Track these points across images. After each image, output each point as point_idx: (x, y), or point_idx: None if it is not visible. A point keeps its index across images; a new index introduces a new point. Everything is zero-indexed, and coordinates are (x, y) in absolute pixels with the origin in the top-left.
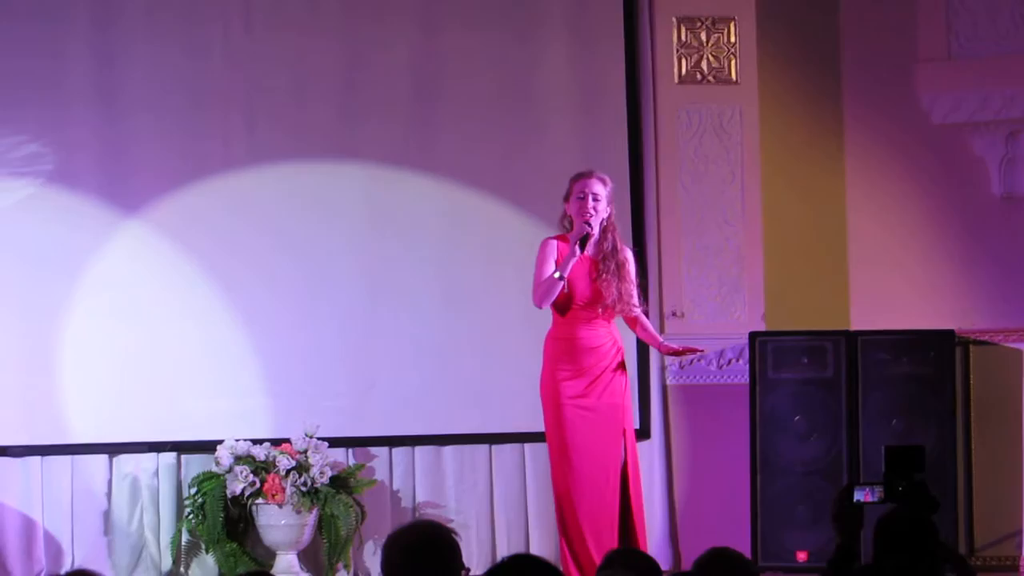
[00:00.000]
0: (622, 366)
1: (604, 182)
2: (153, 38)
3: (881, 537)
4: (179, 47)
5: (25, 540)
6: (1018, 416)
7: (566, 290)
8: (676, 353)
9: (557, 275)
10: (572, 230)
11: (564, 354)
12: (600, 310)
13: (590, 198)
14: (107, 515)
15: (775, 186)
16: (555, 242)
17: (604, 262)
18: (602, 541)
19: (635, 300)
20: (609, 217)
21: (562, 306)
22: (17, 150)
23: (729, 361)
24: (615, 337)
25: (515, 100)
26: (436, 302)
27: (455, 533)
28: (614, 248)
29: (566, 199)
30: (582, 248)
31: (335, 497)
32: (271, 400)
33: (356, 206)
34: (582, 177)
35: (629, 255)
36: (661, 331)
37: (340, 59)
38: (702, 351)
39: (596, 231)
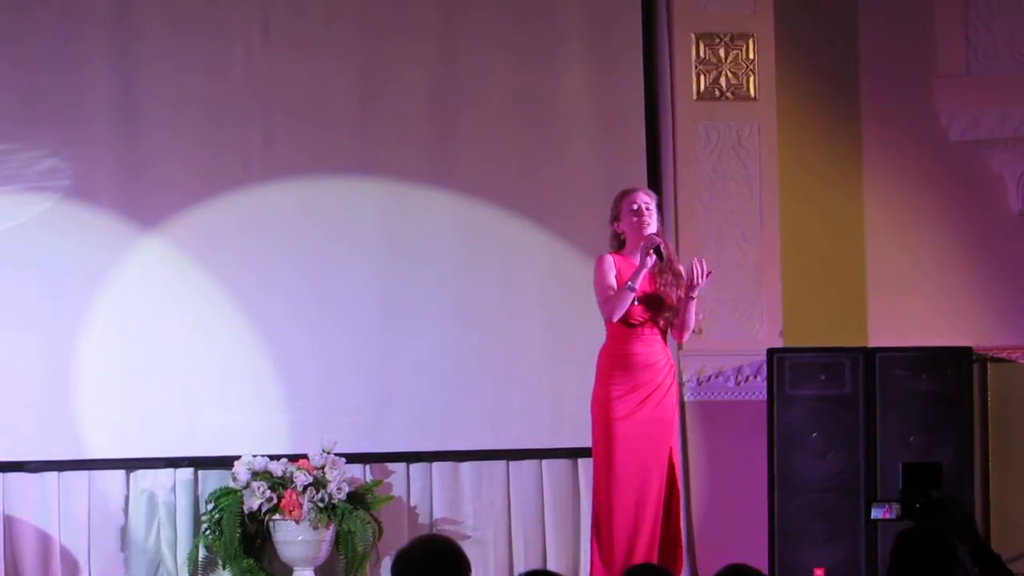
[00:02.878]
0: (675, 383)
1: (650, 194)
2: (172, 55)
3: (899, 553)
4: (198, 64)
5: (42, 556)
6: None
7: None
8: (690, 287)
9: (629, 285)
10: (625, 248)
11: (619, 370)
12: (661, 323)
13: (644, 208)
14: (124, 531)
15: (793, 202)
16: (611, 257)
17: (661, 275)
18: (638, 554)
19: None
20: (660, 229)
21: (621, 322)
22: (35, 165)
23: (747, 377)
24: (669, 354)
25: (533, 116)
26: (453, 319)
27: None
28: (668, 259)
29: (615, 220)
30: (660, 257)
31: (352, 513)
32: (288, 416)
33: (373, 224)
34: (628, 193)
35: (682, 267)
36: (679, 347)
37: (358, 78)
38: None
39: (662, 241)
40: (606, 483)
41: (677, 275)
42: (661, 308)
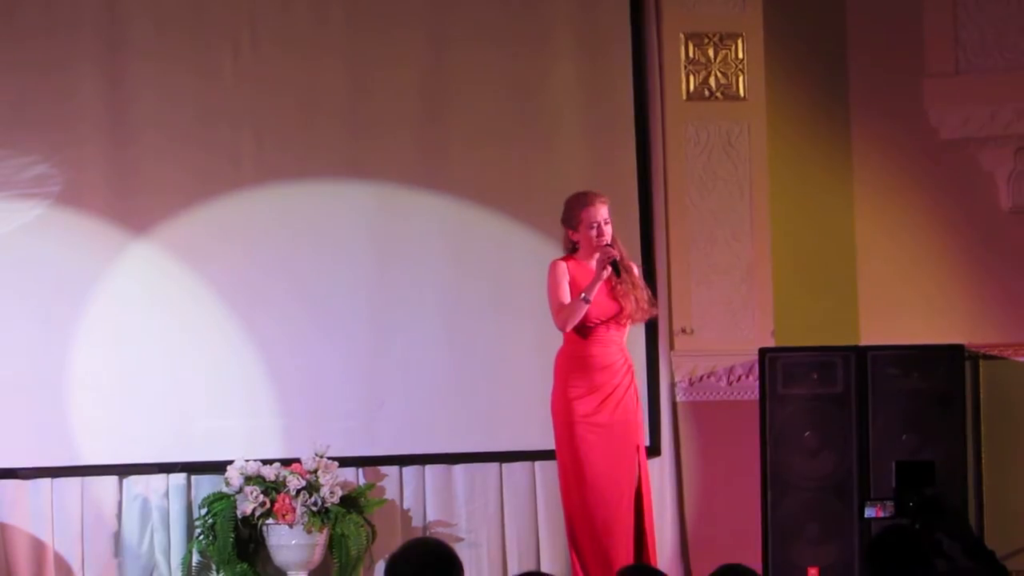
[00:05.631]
0: (633, 383)
1: (606, 203)
2: (161, 58)
3: (873, 554)
4: (187, 67)
5: (35, 562)
6: None
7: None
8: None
9: (584, 297)
10: (579, 252)
11: (576, 371)
12: (624, 322)
13: (603, 224)
14: (117, 536)
15: (783, 202)
16: (564, 264)
17: (618, 277)
18: (617, 557)
19: (650, 304)
20: (614, 235)
21: (577, 324)
22: (26, 171)
23: (739, 377)
24: (626, 354)
25: (523, 118)
26: (445, 321)
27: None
28: (622, 259)
29: (571, 225)
30: (617, 272)
31: (345, 517)
32: (281, 420)
33: (364, 224)
34: (587, 205)
35: (633, 263)
36: (671, 348)
37: (348, 77)
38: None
39: (617, 252)
40: (577, 488)
41: (629, 271)
42: (617, 313)
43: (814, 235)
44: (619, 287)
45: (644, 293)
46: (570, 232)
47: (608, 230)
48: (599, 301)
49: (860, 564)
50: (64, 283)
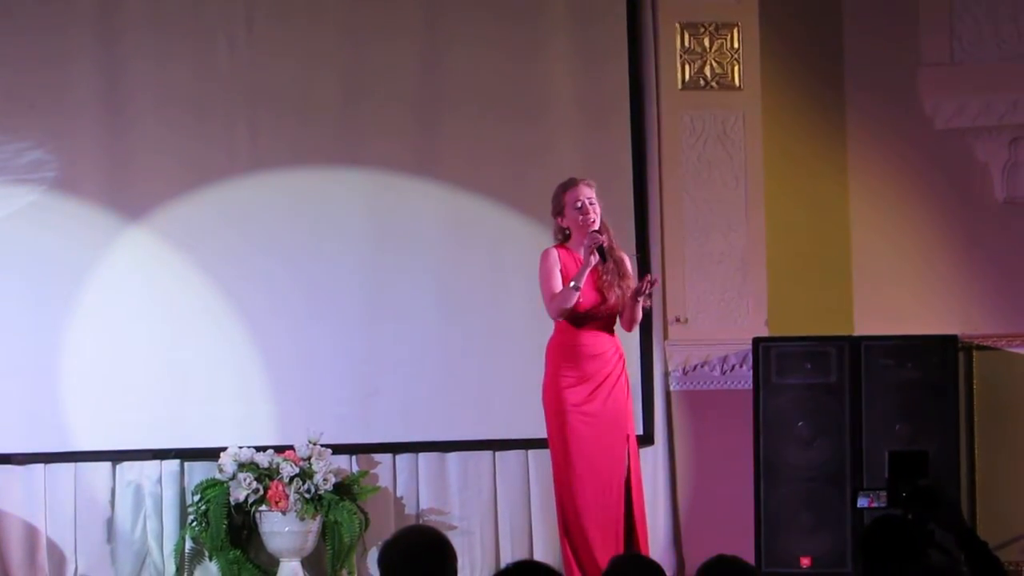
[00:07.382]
0: (624, 372)
1: (591, 185)
2: (157, 47)
3: (865, 544)
4: (182, 56)
5: (28, 548)
6: (1022, 421)
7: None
8: (640, 292)
9: (573, 285)
10: (571, 240)
11: (567, 360)
12: (608, 312)
13: (587, 203)
14: (110, 523)
15: (778, 191)
16: (555, 252)
17: (604, 266)
18: (607, 546)
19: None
20: (601, 217)
21: (568, 313)
22: (21, 157)
23: (733, 367)
24: (617, 343)
25: (519, 106)
26: (439, 309)
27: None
28: (611, 247)
29: (559, 214)
30: (603, 258)
31: (339, 504)
32: (274, 407)
33: (359, 215)
34: (570, 187)
35: (624, 253)
36: (665, 337)
37: (344, 69)
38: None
39: (605, 239)
40: (568, 477)
41: (619, 262)
42: (603, 301)
43: (809, 225)
44: (604, 277)
45: (631, 283)
46: (559, 220)
47: (594, 211)
48: (588, 290)
49: (853, 554)
50: (58, 269)
